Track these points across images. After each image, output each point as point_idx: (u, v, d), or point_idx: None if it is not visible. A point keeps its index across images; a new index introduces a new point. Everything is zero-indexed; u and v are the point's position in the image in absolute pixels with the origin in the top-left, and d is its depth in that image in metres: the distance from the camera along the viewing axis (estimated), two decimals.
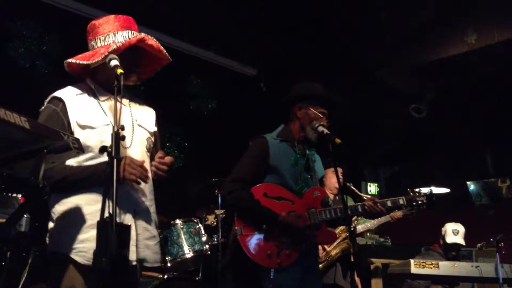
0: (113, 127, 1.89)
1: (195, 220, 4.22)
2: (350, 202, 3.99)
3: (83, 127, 2.20)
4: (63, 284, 2.09)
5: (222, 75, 6.57)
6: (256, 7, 5.60)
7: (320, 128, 2.86)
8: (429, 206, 3.02)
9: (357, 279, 4.57)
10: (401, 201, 2.97)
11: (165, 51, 2.40)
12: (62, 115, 2.20)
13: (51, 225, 2.16)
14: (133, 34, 2.32)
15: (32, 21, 4.94)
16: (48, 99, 2.28)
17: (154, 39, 2.36)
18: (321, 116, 2.94)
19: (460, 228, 5.12)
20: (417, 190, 3.10)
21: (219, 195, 4.67)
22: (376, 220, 4.91)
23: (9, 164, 1.78)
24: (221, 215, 4.58)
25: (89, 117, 2.23)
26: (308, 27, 5.94)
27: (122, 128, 1.90)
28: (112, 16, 2.39)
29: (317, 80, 3.10)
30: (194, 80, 6.35)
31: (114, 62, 2.08)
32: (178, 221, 4.10)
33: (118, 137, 1.86)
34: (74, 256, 2.08)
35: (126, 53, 2.26)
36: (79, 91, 2.30)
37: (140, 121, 2.41)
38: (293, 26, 5.94)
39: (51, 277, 2.14)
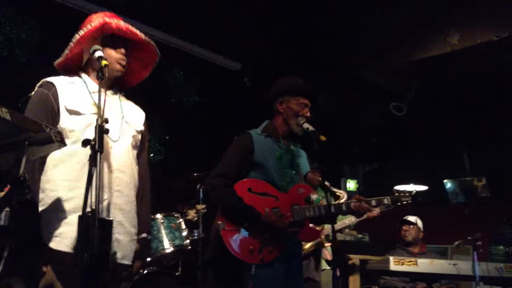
0: (97, 120, 1.86)
1: (176, 215, 4.19)
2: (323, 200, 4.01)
3: (70, 111, 2.20)
4: (44, 278, 2.06)
5: (206, 69, 6.52)
6: (242, 2, 5.56)
7: (305, 125, 2.88)
8: (413, 206, 3.03)
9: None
10: (385, 201, 2.98)
11: (139, 32, 2.38)
12: (52, 99, 2.20)
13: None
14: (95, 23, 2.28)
15: (11, 8, 4.82)
16: (40, 83, 2.27)
17: (121, 21, 2.32)
18: (303, 107, 2.95)
19: (411, 216, 5.30)
20: (401, 189, 3.12)
21: (201, 189, 4.64)
22: (353, 217, 4.96)
23: None
24: (202, 210, 4.55)
25: (78, 103, 2.22)
26: (292, 25, 5.94)
27: (106, 121, 1.87)
28: (100, 13, 2.37)
29: (300, 77, 3.11)
30: (177, 73, 6.28)
31: (98, 53, 2.08)
32: (158, 216, 4.06)
33: (101, 130, 1.83)
34: (53, 245, 2.06)
35: (103, 42, 2.27)
36: (71, 80, 2.30)
37: (127, 118, 2.41)
38: (277, 23, 5.92)
39: (34, 270, 2.10)
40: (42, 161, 2.15)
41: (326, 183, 4.15)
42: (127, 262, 2.28)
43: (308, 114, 2.97)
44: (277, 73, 3.20)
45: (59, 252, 2.06)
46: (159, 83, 6.01)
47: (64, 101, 2.21)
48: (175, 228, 4.06)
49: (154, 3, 5.40)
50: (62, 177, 2.13)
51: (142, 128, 2.50)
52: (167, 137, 5.99)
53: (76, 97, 2.24)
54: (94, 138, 1.84)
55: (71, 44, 2.25)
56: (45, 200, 2.12)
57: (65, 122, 2.18)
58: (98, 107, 1.91)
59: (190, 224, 4.44)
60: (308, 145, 3.07)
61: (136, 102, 2.60)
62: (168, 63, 6.07)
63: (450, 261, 4.64)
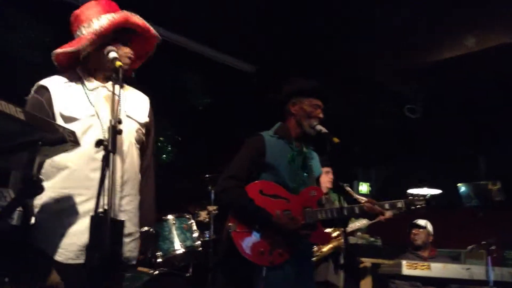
0: (110, 121, 1.86)
1: (187, 216, 4.19)
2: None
3: (66, 118, 2.12)
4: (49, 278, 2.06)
5: (218, 71, 6.52)
6: (255, 3, 5.55)
7: (319, 127, 2.87)
8: (428, 210, 2.99)
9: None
10: (399, 205, 2.94)
11: (152, 29, 2.33)
12: (47, 106, 2.14)
13: (33, 220, 2.05)
14: (116, 16, 2.23)
15: (28, 10, 4.86)
16: (35, 87, 2.21)
17: (139, 17, 2.29)
18: (315, 108, 2.93)
19: (421, 219, 5.27)
20: (415, 192, 3.08)
21: (212, 191, 4.64)
22: (365, 219, 4.92)
23: (3, 156, 1.74)
24: (213, 211, 4.55)
25: (74, 108, 2.15)
26: (303, 27, 5.91)
27: (120, 122, 1.87)
28: (93, 2, 2.30)
29: (311, 79, 3.10)
30: (189, 75, 6.30)
31: (113, 54, 2.04)
32: (170, 217, 4.07)
33: (115, 131, 1.83)
34: (56, 256, 2.02)
35: (113, 36, 2.20)
36: (66, 80, 2.23)
37: (129, 112, 2.31)
38: (288, 26, 5.90)
39: (35, 273, 2.08)
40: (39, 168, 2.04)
41: (347, 188, 4.15)
42: (131, 263, 2.25)
43: (321, 115, 2.95)
44: (289, 76, 3.19)
45: (63, 264, 2.03)
46: (171, 85, 6.03)
47: (59, 107, 2.14)
48: (186, 229, 4.06)
49: (167, 4, 5.41)
50: (64, 185, 2.08)
51: (146, 120, 2.41)
52: (179, 138, 6.00)
53: (72, 101, 2.16)
54: (107, 139, 1.83)
55: (88, 37, 2.14)
56: (44, 208, 2.05)
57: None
58: (112, 107, 1.90)
59: (201, 226, 4.45)
60: (320, 147, 3.05)
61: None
62: (180, 65, 6.08)
63: (463, 266, 4.59)
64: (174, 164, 5.86)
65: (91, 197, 2.05)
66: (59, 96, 2.16)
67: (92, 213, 1.85)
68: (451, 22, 5.38)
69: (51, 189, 2.05)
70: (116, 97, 1.94)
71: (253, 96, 6.71)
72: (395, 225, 5.02)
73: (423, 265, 4.29)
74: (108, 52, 2.07)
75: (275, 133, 2.97)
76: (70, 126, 2.03)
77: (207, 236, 4.39)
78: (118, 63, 1.99)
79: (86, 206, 2.06)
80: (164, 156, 5.78)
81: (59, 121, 2.11)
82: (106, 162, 1.80)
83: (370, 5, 5.36)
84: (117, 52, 2.08)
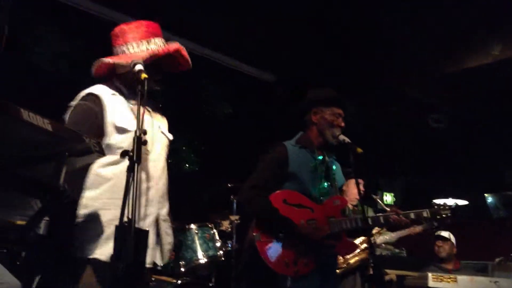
0: (135, 132, 1.88)
1: (209, 225, 4.20)
2: (371, 213, 3.94)
3: (119, 129, 2.18)
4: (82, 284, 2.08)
5: (239, 81, 6.56)
6: (275, 13, 5.57)
7: (342, 137, 2.85)
8: (453, 220, 2.94)
9: None
10: (424, 214, 2.89)
11: (190, 62, 2.45)
12: (98, 114, 2.18)
13: (75, 228, 2.12)
14: (164, 42, 2.36)
15: (54, 23, 4.98)
16: (84, 94, 2.24)
17: (185, 50, 2.41)
18: (337, 117, 2.93)
19: (444, 231, 5.19)
20: (440, 202, 3.03)
21: (234, 200, 4.64)
22: (395, 233, 4.85)
23: (30, 166, 1.77)
24: (236, 221, 4.55)
25: (125, 119, 2.21)
26: (328, 36, 5.90)
27: (145, 133, 1.89)
28: (143, 22, 2.39)
29: (334, 89, 3.09)
30: (211, 85, 6.35)
31: (139, 67, 2.07)
32: (192, 226, 4.08)
33: (140, 142, 1.85)
34: (97, 256, 2.07)
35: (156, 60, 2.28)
36: (112, 91, 2.28)
37: (162, 128, 2.42)
38: (312, 35, 5.90)
39: (70, 277, 2.12)
40: (83, 176, 2.13)
41: (374, 196, 4.10)
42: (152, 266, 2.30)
43: (342, 124, 2.95)
44: (310, 85, 3.19)
45: (100, 261, 2.08)
46: (194, 94, 6.09)
47: (112, 117, 2.19)
48: (209, 238, 4.07)
49: (188, 15, 5.48)
50: (108, 196, 2.13)
51: (171, 137, 2.49)
52: (202, 148, 6.03)
53: (121, 112, 2.23)
54: (132, 149, 1.85)
55: (143, 55, 2.23)
56: (88, 216, 2.10)
57: (113, 138, 2.17)
58: (137, 118, 1.92)
59: (223, 235, 4.45)
60: (342, 156, 3.04)
61: (171, 113, 2.62)
62: (202, 75, 6.14)
63: (491, 279, 4.47)
64: (197, 174, 5.88)
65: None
66: (110, 106, 2.21)
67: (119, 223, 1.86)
68: (476, 30, 5.32)
69: (97, 199, 2.11)
70: (142, 109, 1.96)
71: (274, 105, 6.72)
72: (420, 236, 4.94)
73: (450, 278, 4.19)
74: (134, 65, 2.09)
75: (297, 143, 2.97)
76: (122, 137, 2.15)
77: (230, 245, 4.38)
78: (143, 75, 2.02)
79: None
80: (187, 165, 5.82)
81: (111, 131, 2.17)
82: (131, 173, 1.81)
83: (394, 15, 5.33)
84: (143, 65, 2.11)
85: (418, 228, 4.70)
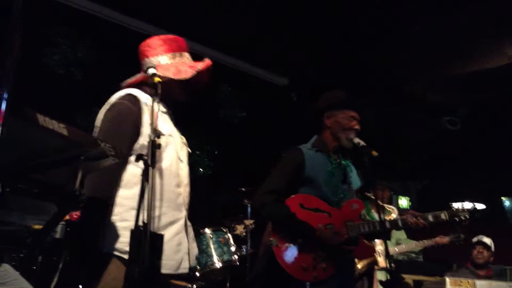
0: (149, 136, 1.88)
1: (224, 230, 4.19)
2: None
3: (155, 131, 2.14)
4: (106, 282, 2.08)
5: (253, 85, 6.55)
6: (289, 18, 5.57)
7: (357, 140, 2.82)
8: (471, 223, 2.89)
9: None
10: (443, 216, 2.85)
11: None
12: (136, 114, 2.19)
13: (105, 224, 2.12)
14: (189, 58, 2.43)
15: (68, 28, 5.03)
16: (123, 94, 2.24)
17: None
18: (351, 120, 2.90)
19: (486, 237, 5.16)
20: (458, 205, 2.99)
21: (249, 204, 4.63)
22: (420, 242, 4.79)
23: (45, 171, 1.78)
24: (250, 226, 4.53)
25: (160, 124, 2.21)
26: (340, 39, 5.88)
27: (159, 136, 1.89)
28: (173, 36, 2.44)
29: (347, 92, 3.07)
30: (225, 89, 6.35)
31: (152, 71, 2.09)
32: (207, 230, 4.08)
33: (154, 146, 1.85)
34: (125, 254, 2.07)
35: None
36: (147, 96, 2.29)
37: (184, 139, 2.46)
38: (324, 38, 5.88)
39: (93, 275, 2.12)
40: (119, 173, 2.14)
41: (369, 194, 4.06)
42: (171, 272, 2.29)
43: (357, 127, 2.91)
44: (324, 88, 3.17)
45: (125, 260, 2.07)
46: (207, 99, 6.10)
47: (148, 120, 2.19)
48: (223, 243, 4.06)
49: (202, 20, 5.49)
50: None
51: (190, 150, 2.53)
52: (215, 152, 6.03)
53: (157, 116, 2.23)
54: (147, 153, 1.85)
55: (190, 70, 2.30)
56: (122, 214, 2.11)
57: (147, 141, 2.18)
58: (152, 122, 1.93)
59: (238, 240, 4.43)
60: (357, 159, 3.00)
61: (185, 117, 2.63)
62: (216, 79, 6.13)
63: (510, 283, 4.39)
64: (211, 178, 5.88)
65: (168, 211, 2.20)
66: (146, 109, 2.22)
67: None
68: (491, 31, 5.26)
69: (131, 199, 2.12)
70: (155, 112, 1.96)
71: (288, 109, 6.70)
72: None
73: (468, 282, 4.13)
74: (147, 68, 2.12)
75: (313, 146, 2.95)
76: (160, 140, 2.12)
77: (244, 250, 4.37)
78: (156, 79, 2.03)
79: (165, 218, 2.17)
80: (201, 169, 5.82)
81: (147, 132, 2.13)
82: (145, 177, 1.81)
83: (408, 17, 5.30)
84: (156, 69, 2.12)
85: (445, 239, 4.65)
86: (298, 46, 6.06)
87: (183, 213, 2.31)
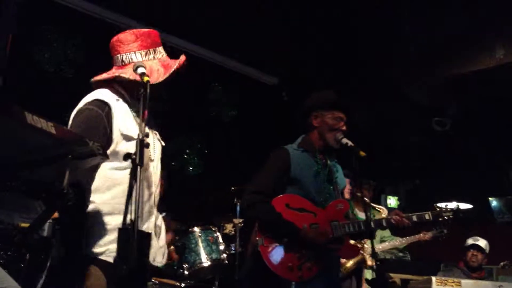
0: (138, 135, 1.88)
1: (213, 228, 4.19)
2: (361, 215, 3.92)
3: (125, 137, 2.18)
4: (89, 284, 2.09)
5: (244, 84, 6.57)
6: (280, 17, 5.59)
7: (344, 140, 2.84)
8: (454, 222, 2.94)
9: None
10: (427, 216, 2.90)
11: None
12: (105, 120, 2.16)
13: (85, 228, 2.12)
14: (162, 53, 2.37)
15: (58, 26, 5.01)
16: (91, 99, 2.21)
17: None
18: (338, 121, 2.91)
19: (481, 239, 5.08)
20: (443, 205, 3.03)
21: (238, 203, 4.64)
22: (404, 239, 4.83)
23: (33, 168, 1.79)
24: (239, 224, 4.55)
25: (130, 127, 2.21)
26: (331, 40, 5.92)
27: (147, 135, 1.90)
28: (146, 31, 2.38)
29: (337, 92, 3.08)
30: (215, 88, 6.36)
31: (141, 70, 2.08)
32: (196, 229, 4.08)
33: (142, 145, 1.86)
34: (104, 257, 2.09)
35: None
36: (116, 97, 2.26)
37: (158, 135, 2.46)
38: (316, 38, 5.91)
39: (77, 277, 2.13)
40: (92, 177, 2.12)
41: (365, 198, 4.10)
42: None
43: (344, 128, 2.92)
44: (315, 88, 3.19)
45: (106, 264, 2.09)
46: (198, 98, 6.11)
47: (119, 125, 2.18)
48: (212, 241, 4.06)
49: (193, 19, 5.50)
50: (117, 201, 2.12)
51: (164, 144, 2.50)
52: (205, 151, 6.04)
53: (126, 119, 2.23)
54: (135, 152, 1.86)
55: (164, 72, 2.27)
56: (97, 218, 2.11)
57: (121, 146, 2.16)
58: (140, 122, 1.93)
59: (227, 238, 4.45)
60: (345, 160, 3.03)
61: (175, 116, 2.64)
62: (207, 78, 6.15)
63: (495, 283, 4.46)
64: (201, 177, 5.89)
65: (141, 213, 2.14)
66: (116, 113, 2.20)
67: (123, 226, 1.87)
68: (480, 34, 5.32)
69: (105, 204, 2.12)
70: (145, 111, 1.97)
71: (278, 108, 6.72)
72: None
73: (454, 282, 4.18)
74: (136, 67, 2.11)
75: (299, 146, 2.96)
76: (128, 144, 2.14)
77: (233, 249, 4.38)
78: (146, 78, 2.03)
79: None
80: (191, 168, 5.83)
81: (118, 138, 2.16)
82: (133, 176, 1.82)
83: (400, 20, 5.35)
84: (145, 68, 2.12)
85: (427, 235, 4.69)
86: (289, 45, 6.09)
87: (154, 214, 2.32)
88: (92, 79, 2.35)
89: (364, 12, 5.55)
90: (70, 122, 2.23)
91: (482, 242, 5.12)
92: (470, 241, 5.19)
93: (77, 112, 2.22)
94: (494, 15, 5.13)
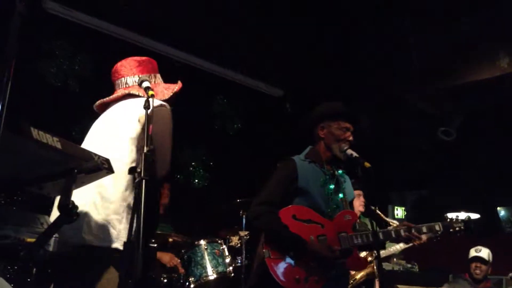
0: (143, 148, 1.90)
1: (219, 241, 4.18)
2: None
3: None
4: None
5: (248, 96, 6.59)
6: (284, 29, 5.62)
7: (349, 151, 2.82)
8: (466, 234, 2.91)
9: None
10: (437, 227, 2.87)
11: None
12: None
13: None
14: (161, 80, 2.57)
15: (64, 40, 5.06)
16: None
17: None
18: (344, 131, 2.91)
19: (484, 248, 5.02)
20: (453, 216, 3.00)
21: (244, 216, 4.63)
22: (400, 245, 4.79)
23: (39, 183, 1.80)
24: (245, 237, 4.52)
25: None
26: (335, 49, 5.94)
27: (153, 150, 1.91)
28: (149, 59, 2.57)
29: (344, 102, 3.08)
30: (220, 100, 6.39)
31: (146, 84, 2.13)
32: (202, 242, 4.07)
33: (148, 158, 1.87)
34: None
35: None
36: None
37: None
38: (320, 48, 5.93)
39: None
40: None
41: (373, 207, 4.08)
42: None
43: (351, 138, 2.91)
44: (319, 99, 3.19)
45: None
46: (203, 110, 6.13)
47: None
48: (218, 254, 4.05)
49: (197, 32, 5.54)
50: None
51: None
52: (211, 163, 6.05)
53: None
54: (140, 166, 1.87)
55: (168, 93, 2.43)
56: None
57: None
58: (146, 135, 1.95)
59: (233, 251, 4.43)
60: (351, 171, 3.01)
61: (180, 129, 2.65)
62: (211, 91, 6.18)
63: None
64: (206, 189, 5.89)
65: None
66: None
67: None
68: (484, 43, 5.32)
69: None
70: (150, 124, 1.98)
71: (283, 120, 6.73)
72: (433, 250, 4.87)
73: None
74: (141, 82, 2.19)
75: (306, 157, 2.94)
76: None
77: (239, 261, 4.36)
78: (150, 92, 2.07)
79: None
80: (196, 181, 5.83)
81: None
82: (138, 189, 1.83)
83: (403, 30, 5.36)
84: (150, 83, 2.18)
85: (423, 238, 4.63)
86: (294, 57, 6.11)
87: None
88: (98, 102, 2.47)
89: (367, 23, 5.57)
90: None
91: (485, 253, 5.04)
92: (472, 253, 5.10)
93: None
94: (497, 23, 5.13)
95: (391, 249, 4.84)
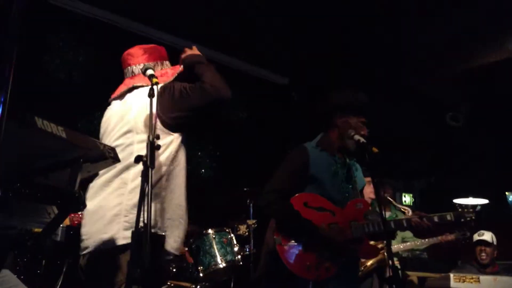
0: (148, 137, 1.89)
1: (227, 230, 4.19)
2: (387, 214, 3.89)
3: None
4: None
5: (254, 84, 6.56)
6: (290, 18, 5.57)
7: (356, 137, 2.78)
8: (477, 223, 2.88)
9: None
10: (448, 217, 2.84)
11: None
12: None
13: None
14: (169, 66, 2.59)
15: (68, 32, 5.04)
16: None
17: None
18: (362, 126, 2.87)
19: (486, 232, 5.04)
20: (461, 202, 2.98)
21: (251, 204, 4.63)
22: (425, 240, 4.75)
23: (45, 173, 1.79)
24: (253, 225, 4.53)
25: None
26: (342, 37, 5.87)
27: (158, 137, 1.90)
28: (157, 46, 2.60)
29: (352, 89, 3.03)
30: None
31: (150, 72, 2.12)
32: (210, 231, 4.08)
33: (153, 146, 1.85)
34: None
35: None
36: None
37: None
38: (326, 36, 5.87)
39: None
40: None
41: (389, 198, 4.05)
42: None
43: (365, 132, 2.86)
44: (326, 88, 3.15)
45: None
46: None
47: None
48: (226, 243, 4.06)
49: (203, 21, 5.50)
50: None
51: None
52: (217, 153, 6.04)
53: None
54: (146, 155, 1.86)
55: (172, 72, 2.46)
56: None
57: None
58: (150, 124, 1.94)
59: (241, 240, 4.43)
60: (361, 157, 2.98)
61: None
62: None
63: None
64: (213, 179, 5.89)
65: None
66: None
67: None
68: (492, 26, 5.24)
69: None
70: (154, 113, 1.97)
71: (288, 108, 6.70)
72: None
73: (472, 278, 4.12)
74: (145, 70, 2.17)
75: (318, 145, 2.90)
76: None
77: (247, 250, 4.37)
78: (154, 80, 2.06)
79: None
80: (203, 170, 5.83)
81: None
82: (145, 178, 1.82)
83: (409, 13, 5.29)
84: (153, 70, 2.15)
85: (450, 237, 4.61)
86: (299, 45, 6.06)
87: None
88: (112, 96, 2.48)
89: (372, 10, 5.50)
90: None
91: (488, 235, 5.02)
92: (476, 237, 5.10)
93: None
94: (506, 6, 5.05)
95: (417, 243, 4.80)
